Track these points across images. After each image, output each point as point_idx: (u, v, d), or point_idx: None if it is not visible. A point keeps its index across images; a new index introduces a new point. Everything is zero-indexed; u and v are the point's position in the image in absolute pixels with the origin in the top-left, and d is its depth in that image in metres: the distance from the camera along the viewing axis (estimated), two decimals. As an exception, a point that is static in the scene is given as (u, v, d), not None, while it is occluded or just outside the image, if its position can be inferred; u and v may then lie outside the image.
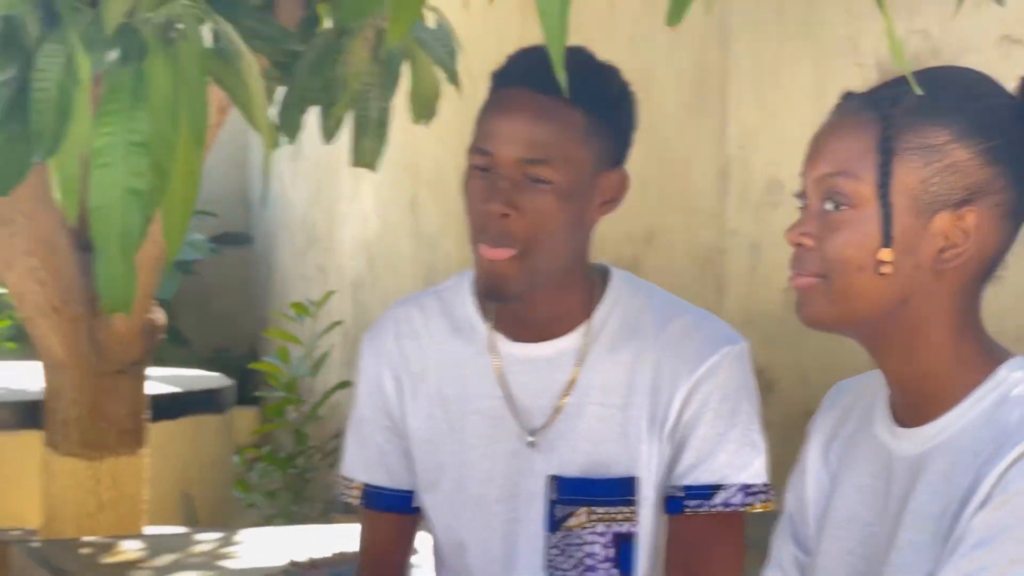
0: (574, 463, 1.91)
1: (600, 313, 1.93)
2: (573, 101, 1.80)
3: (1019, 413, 1.46)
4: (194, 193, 2.17)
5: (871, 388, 1.60)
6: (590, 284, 1.94)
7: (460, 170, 6.11)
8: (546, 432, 1.93)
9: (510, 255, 1.82)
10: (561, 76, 1.57)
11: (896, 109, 1.49)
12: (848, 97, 1.55)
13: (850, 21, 3.62)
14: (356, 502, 2.05)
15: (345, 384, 7.09)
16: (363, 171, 3.28)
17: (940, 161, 1.48)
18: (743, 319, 4.16)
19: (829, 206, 1.50)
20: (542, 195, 1.82)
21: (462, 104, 3.06)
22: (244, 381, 7.47)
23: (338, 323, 7.00)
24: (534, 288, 1.86)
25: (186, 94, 2.09)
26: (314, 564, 2.72)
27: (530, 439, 1.92)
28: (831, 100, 4.35)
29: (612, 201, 1.90)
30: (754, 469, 1.91)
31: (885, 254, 1.48)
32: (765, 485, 1.92)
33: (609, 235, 4.84)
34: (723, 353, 1.90)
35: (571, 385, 1.92)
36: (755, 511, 1.91)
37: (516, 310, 1.91)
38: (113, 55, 2.16)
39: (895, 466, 1.54)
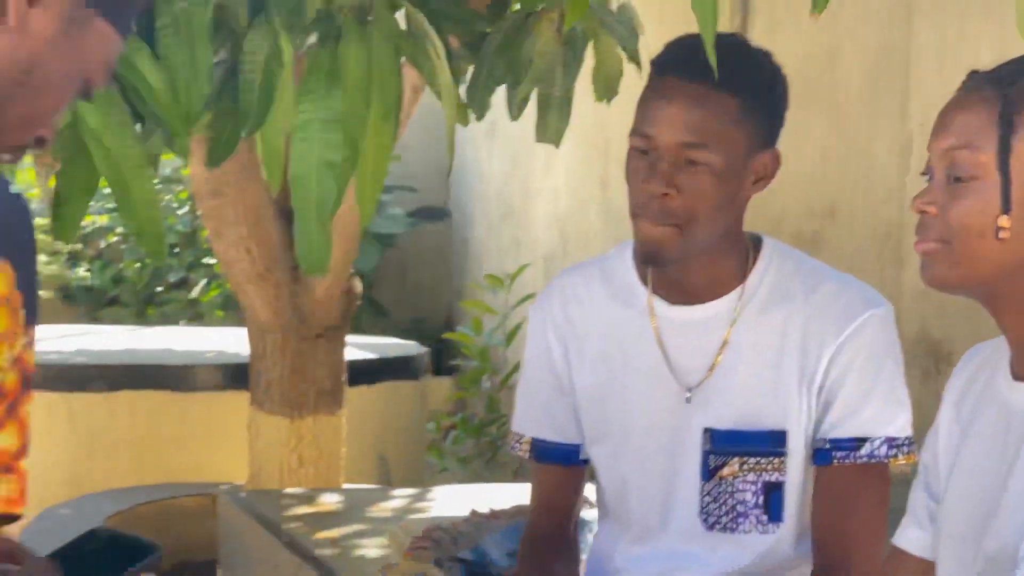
0: (727, 417, 2.04)
1: (752, 279, 2.05)
2: (726, 87, 1.93)
3: None
4: (384, 165, 2.33)
5: (999, 351, 1.70)
6: (743, 252, 2.07)
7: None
8: (701, 388, 2.06)
9: (670, 231, 1.96)
10: (713, 62, 1.69)
11: (1015, 87, 1.59)
12: (972, 76, 1.65)
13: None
14: (525, 455, 2.20)
15: (537, 354, 7.26)
16: (555, 148, 3.41)
17: None
18: (921, 293, 4.20)
19: (954, 175, 1.60)
20: (699, 176, 1.95)
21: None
22: (440, 351, 7.67)
23: (531, 295, 7.15)
24: (689, 257, 1.99)
25: (378, 75, 2.26)
26: (495, 515, 2.86)
27: (687, 395, 2.06)
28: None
29: (765, 179, 2.02)
30: (899, 424, 2.02)
31: (1004, 220, 1.58)
32: (908, 439, 2.03)
33: (791, 210, 4.92)
34: (869, 315, 2.02)
35: (724, 345, 2.05)
36: (899, 464, 2.02)
37: (673, 276, 2.04)
38: (312, 39, 2.34)
39: (1013, 419, 1.64)
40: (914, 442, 2.04)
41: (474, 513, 2.75)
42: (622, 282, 2.11)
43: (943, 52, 4.14)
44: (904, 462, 2.04)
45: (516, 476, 6.95)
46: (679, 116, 1.95)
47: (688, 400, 2.07)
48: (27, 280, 1.73)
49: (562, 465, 2.19)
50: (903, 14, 4.32)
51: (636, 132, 2.00)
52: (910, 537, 1.82)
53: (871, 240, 4.50)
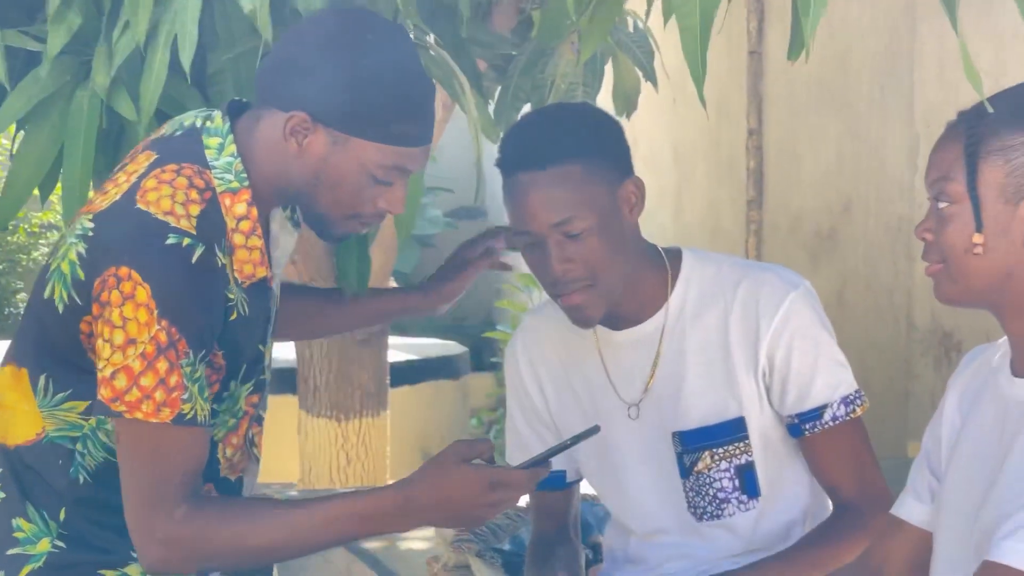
0: (690, 417, 2.26)
1: (676, 294, 2.26)
2: (566, 158, 2.12)
3: None
4: (420, 192, 2.53)
5: (1001, 351, 1.91)
6: (662, 271, 2.27)
7: (673, 146, 6.51)
8: (643, 403, 2.28)
9: (584, 295, 2.16)
10: (697, 77, 1.88)
11: (982, 121, 1.81)
12: (956, 117, 1.87)
13: (1025, 5, 3.79)
14: None
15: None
16: None
17: (1019, 158, 1.79)
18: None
19: (940, 204, 1.82)
20: (584, 242, 2.13)
21: (672, 90, 3.33)
22: (481, 348, 7.85)
23: (565, 293, 7.34)
24: (615, 300, 2.20)
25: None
26: (519, 508, 3.05)
27: (630, 411, 2.28)
28: (1008, 79, 4.56)
29: (637, 204, 2.21)
30: (847, 383, 2.26)
31: (977, 237, 1.78)
32: (857, 392, 2.26)
33: (809, 207, 5.12)
34: (790, 299, 2.23)
35: (658, 360, 2.27)
36: (858, 415, 2.25)
37: (609, 311, 2.24)
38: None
39: (1011, 409, 1.84)
40: (862, 392, 2.27)
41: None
42: None
43: (944, 58, 4.32)
44: (860, 413, 2.26)
45: (556, 468, 7.14)
46: (541, 205, 2.12)
47: (633, 417, 2.29)
48: None
49: (553, 491, 2.41)
50: (907, 22, 4.50)
51: (515, 233, 2.19)
52: (911, 509, 2.02)
53: (884, 235, 4.67)
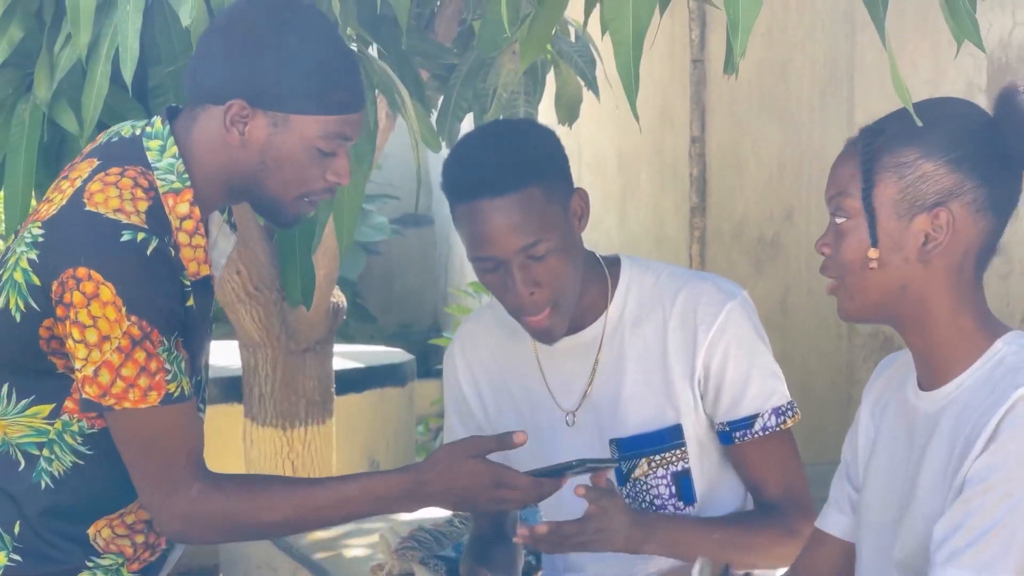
0: (628, 424, 2.29)
1: (616, 303, 2.30)
2: (524, 182, 2.15)
3: (1009, 377, 1.80)
4: (359, 202, 2.56)
5: (908, 361, 1.95)
6: (602, 278, 2.31)
7: (618, 153, 6.52)
8: (581, 411, 2.30)
9: (552, 316, 2.20)
10: (630, 93, 1.91)
11: (878, 138, 1.84)
12: (858, 132, 1.90)
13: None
14: None
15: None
16: None
17: (912, 174, 1.82)
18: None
19: (838, 219, 1.85)
20: (548, 263, 2.18)
21: (614, 98, 3.38)
22: (428, 355, 7.86)
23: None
24: (571, 311, 2.23)
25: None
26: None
27: (567, 418, 2.31)
28: (947, 88, 4.63)
29: (584, 217, 2.26)
30: (779, 393, 2.30)
31: (872, 252, 1.83)
32: (790, 403, 2.30)
33: (752, 214, 5.16)
34: (728, 308, 2.28)
35: (596, 369, 2.30)
36: (788, 427, 2.28)
37: None
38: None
39: (918, 422, 1.89)
40: (794, 404, 2.30)
41: (455, 514, 2.98)
42: (513, 321, 2.32)
43: (884, 66, 4.34)
44: (791, 424, 2.30)
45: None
46: (506, 231, 2.15)
47: (568, 423, 2.31)
48: None
49: None
50: (847, 30, 4.55)
51: (474, 257, 2.20)
52: (833, 521, 2.06)
53: (826, 241, 4.72)
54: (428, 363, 7.75)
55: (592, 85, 3.48)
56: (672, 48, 5.36)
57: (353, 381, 5.31)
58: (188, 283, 2.03)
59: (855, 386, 4.56)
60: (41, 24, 2.53)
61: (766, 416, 2.29)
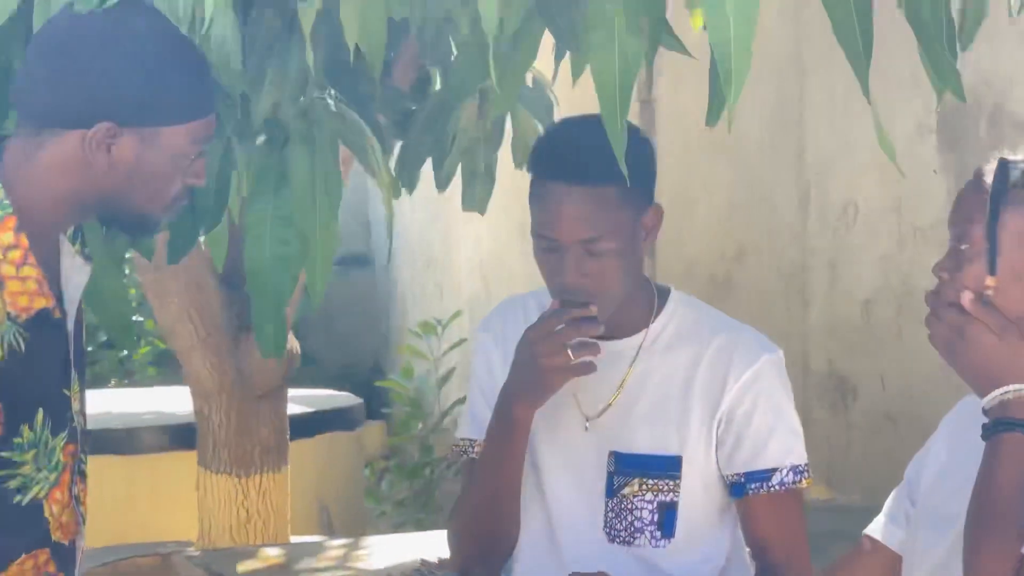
0: (632, 442, 2.29)
1: (657, 323, 2.31)
2: (603, 179, 2.14)
3: None
4: (331, 254, 2.54)
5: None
6: (649, 299, 2.32)
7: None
8: (600, 419, 2.30)
9: (595, 311, 2.19)
10: (617, 144, 1.91)
11: (1010, 171, 1.87)
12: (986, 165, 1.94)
13: (911, 57, 3.89)
14: (475, 456, 2.37)
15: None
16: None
17: None
18: (826, 329, 4.46)
19: (961, 246, 1.89)
20: (604, 261, 2.19)
21: None
22: (370, 397, 7.83)
23: (462, 341, 7.34)
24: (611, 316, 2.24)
25: (322, 175, 2.48)
26: (442, 563, 3.04)
27: (586, 424, 2.31)
28: (898, 129, 4.67)
29: (653, 231, 2.27)
30: (798, 452, 2.30)
31: (990, 280, 1.86)
32: (806, 464, 2.30)
33: (704, 254, 5.19)
34: (764, 360, 2.28)
35: (624, 383, 2.30)
36: (802, 487, 2.29)
37: None
38: (260, 142, 2.55)
39: None
40: (810, 467, 2.31)
41: (424, 563, 2.96)
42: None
43: (833, 106, 4.41)
44: (805, 485, 2.30)
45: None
46: (572, 218, 2.17)
47: (587, 429, 2.31)
48: None
49: None
50: (796, 70, 4.59)
51: (537, 233, 2.22)
52: (888, 531, 2.10)
53: (777, 280, 4.75)
54: (371, 405, 7.72)
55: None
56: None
57: (304, 426, 5.28)
58: (10, 323, 1.89)
59: (809, 425, 4.57)
60: None
61: (784, 472, 2.29)
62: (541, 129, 3.47)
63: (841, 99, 4.34)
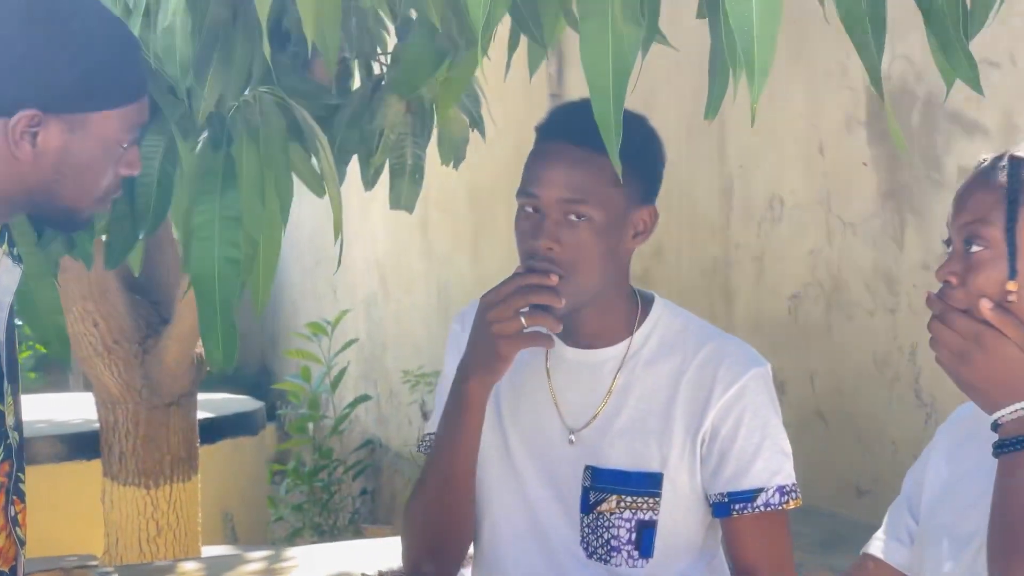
0: (609, 457, 2.19)
1: (641, 332, 2.21)
2: (605, 151, 2.07)
3: None
4: (276, 256, 2.42)
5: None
6: (632, 305, 2.22)
7: (468, 192, 6.42)
8: (585, 431, 2.21)
9: (556, 280, 2.11)
10: (609, 141, 1.82)
11: (1023, 167, 1.77)
12: (989, 161, 1.83)
13: (839, 47, 3.85)
14: None
15: (365, 398, 7.32)
16: (372, 192, 3.48)
17: None
18: (751, 326, 4.41)
19: (973, 248, 1.77)
20: (581, 230, 2.08)
21: (472, 136, 3.32)
22: (263, 399, 7.69)
23: (353, 341, 7.22)
24: (579, 306, 2.14)
25: (271, 173, 2.35)
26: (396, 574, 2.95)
27: (571, 436, 2.21)
28: (823, 121, 4.60)
29: (644, 233, 2.17)
30: (785, 472, 2.20)
31: (1011, 285, 1.76)
32: (794, 485, 2.21)
33: (618, 250, 5.11)
34: (751, 375, 2.18)
35: (609, 393, 2.20)
36: (789, 508, 2.20)
37: (568, 321, 2.18)
38: (204, 139, 2.42)
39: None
40: (798, 488, 2.22)
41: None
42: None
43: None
44: (793, 507, 2.21)
45: (352, 521, 7.01)
46: (561, 175, 2.08)
47: (571, 442, 2.21)
48: None
49: None
50: (717, 63, 4.53)
51: (522, 192, 2.14)
52: (890, 549, 2.02)
53: (699, 277, 4.69)
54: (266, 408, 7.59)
55: (478, 124, 3.40)
56: (527, 83, 5.29)
57: (207, 432, 5.14)
58: None
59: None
60: None
61: (770, 492, 2.20)
62: (469, 124, 3.40)
63: (764, 91, 4.28)
